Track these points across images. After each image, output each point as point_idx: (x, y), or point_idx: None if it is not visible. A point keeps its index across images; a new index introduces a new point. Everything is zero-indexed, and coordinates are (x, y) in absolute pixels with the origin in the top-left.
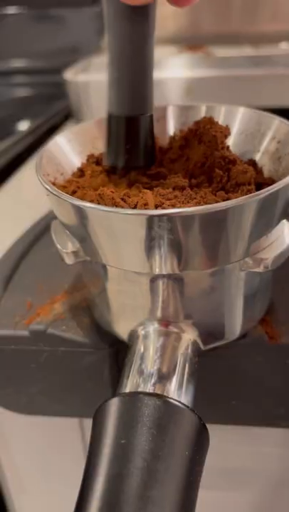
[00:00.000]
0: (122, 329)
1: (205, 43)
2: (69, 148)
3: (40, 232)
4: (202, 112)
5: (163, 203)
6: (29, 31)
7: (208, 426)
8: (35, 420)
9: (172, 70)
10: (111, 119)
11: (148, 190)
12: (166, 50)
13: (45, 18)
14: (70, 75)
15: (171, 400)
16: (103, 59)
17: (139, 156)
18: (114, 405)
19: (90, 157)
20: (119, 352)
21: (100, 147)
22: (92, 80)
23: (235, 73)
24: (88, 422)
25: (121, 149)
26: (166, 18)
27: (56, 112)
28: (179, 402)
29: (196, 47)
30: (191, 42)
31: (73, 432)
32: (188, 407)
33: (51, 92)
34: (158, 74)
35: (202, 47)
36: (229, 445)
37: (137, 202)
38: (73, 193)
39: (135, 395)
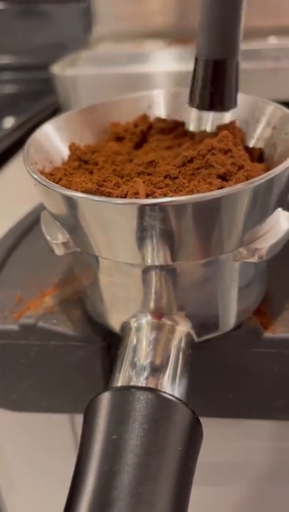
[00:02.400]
0: (114, 321)
1: (193, 37)
2: (57, 137)
3: (29, 226)
4: None
5: (154, 192)
6: (15, 27)
7: (202, 420)
8: (25, 417)
9: (161, 64)
10: (198, 62)
11: (138, 179)
12: (155, 43)
13: (32, 13)
14: (57, 69)
15: (164, 394)
16: (91, 53)
17: (224, 99)
18: (105, 400)
19: (72, 146)
20: (111, 345)
21: (88, 136)
22: (80, 74)
23: None
24: (80, 419)
25: (206, 92)
26: (154, 12)
27: (44, 107)
28: (172, 395)
29: (185, 40)
30: (179, 36)
31: (64, 428)
32: (181, 400)
33: (38, 89)
34: (147, 67)
35: (189, 41)
36: (220, 440)
37: (128, 191)
38: (59, 181)
39: (127, 389)
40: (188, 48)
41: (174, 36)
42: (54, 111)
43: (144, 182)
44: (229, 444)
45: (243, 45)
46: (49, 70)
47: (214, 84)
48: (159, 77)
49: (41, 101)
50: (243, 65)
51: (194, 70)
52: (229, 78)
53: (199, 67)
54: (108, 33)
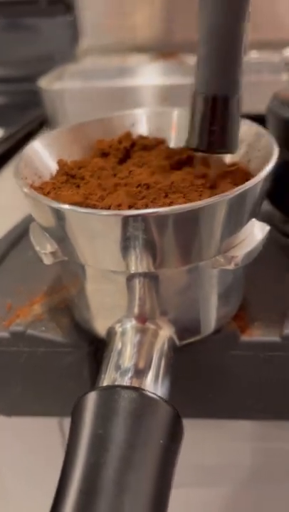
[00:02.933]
0: (100, 327)
1: (178, 51)
2: (46, 153)
3: (18, 236)
4: (174, 116)
5: (136, 203)
6: (2, 40)
7: (186, 421)
8: (14, 422)
9: (146, 78)
10: (197, 98)
11: (121, 191)
12: (139, 58)
13: (19, 27)
14: (44, 82)
15: (147, 392)
16: (78, 67)
17: (225, 139)
18: (91, 398)
19: (60, 162)
20: (98, 351)
21: (75, 152)
22: (67, 87)
23: None
24: (68, 422)
25: (205, 131)
26: (140, 26)
27: (31, 120)
28: (155, 394)
29: (170, 54)
30: (165, 50)
31: (53, 433)
32: (163, 398)
33: (25, 101)
34: (133, 81)
35: (175, 55)
36: (205, 441)
37: (111, 203)
38: (48, 194)
39: (112, 388)
40: (174, 62)
41: (160, 50)
42: (41, 123)
43: (126, 194)
44: (214, 446)
45: None
46: (36, 83)
47: (214, 122)
48: (145, 91)
49: (28, 113)
50: None
51: (193, 107)
52: (231, 116)
53: (198, 104)
54: (94, 46)
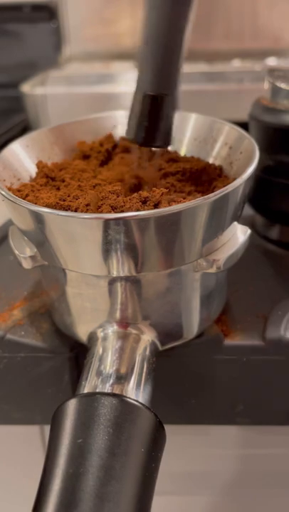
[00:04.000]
0: (81, 332)
1: None
2: (26, 155)
3: None
4: None
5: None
6: None
7: (169, 427)
8: None
9: (128, 84)
10: (136, 95)
11: (92, 191)
12: (122, 65)
13: (2, 33)
14: (27, 88)
15: (128, 399)
16: (60, 72)
17: (156, 135)
18: (71, 406)
19: (39, 164)
20: (79, 356)
21: (56, 154)
22: (49, 93)
23: (190, 88)
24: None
25: (140, 126)
26: (122, 34)
27: (13, 125)
28: (136, 400)
29: None
30: None
31: (34, 441)
32: (144, 405)
33: (8, 107)
34: (115, 87)
35: None
36: (190, 448)
37: (81, 202)
38: (26, 197)
39: (92, 395)
40: None
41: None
42: (23, 129)
43: (97, 193)
44: (197, 453)
45: (208, 68)
46: (19, 89)
47: (150, 119)
48: (127, 97)
49: (11, 119)
50: (208, 87)
51: (132, 103)
52: (166, 114)
53: (137, 101)
54: (78, 53)
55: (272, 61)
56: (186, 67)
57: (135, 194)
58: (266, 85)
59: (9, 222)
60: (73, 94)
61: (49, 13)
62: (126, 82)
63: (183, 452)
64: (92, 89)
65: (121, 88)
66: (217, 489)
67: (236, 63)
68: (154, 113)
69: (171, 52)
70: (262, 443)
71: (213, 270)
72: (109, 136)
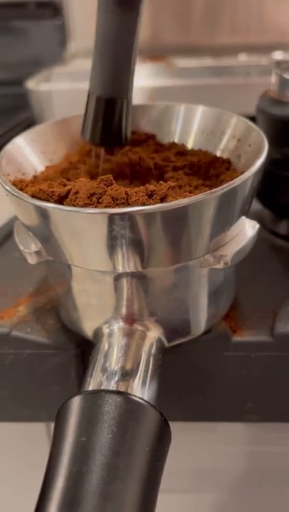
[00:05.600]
0: (87, 328)
1: (166, 54)
2: (30, 149)
3: (3, 238)
4: (162, 111)
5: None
6: None
7: (174, 424)
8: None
9: (134, 80)
10: (90, 97)
11: (83, 178)
12: None
13: (7, 30)
14: (32, 84)
15: (132, 397)
16: (65, 68)
17: (114, 136)
18: (76, 403)
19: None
20: (85, 353)
21: (61, 147)
22: (54, 89)
23: (196, 83)
24: None
25: (95, 128)
26: None
27: (19, 122)
28: (141, 398)
29: (157, 57)
30: (151, 53)
31: (40, 438)
32: (149, 403)
33: (14, 104)
34: None
35: (163, 58)
36: (196, 446)
37: (70, 189)
38: (25, 187)
39: (97, 393)
40: (161, 65)
41: (146, 53)
42: (29, 126)
43: (89, 180)
44: (203, 450)
45: (215, 62)
46: (24, 86)
47: (105, 120)
48: (133, 93)
49: (16, 116)
50: (214, 81)
51: (87, 103)
52: (120, 116)
53: (92, 102)
54: (83, 49)
55: (278, 55)
56: (192, 62)
57: (141, 187)
58: (273, 78)
59: (13, 220)
60: (78, 90)
61: (53, 10)
62: None
63: (189, 449)
64: None
65: None
66: (224, 487)
67: (242, 57)
68: (107, 114)
69: (122, 56)
70: (270, 440)
71: (220, 266)
72: None
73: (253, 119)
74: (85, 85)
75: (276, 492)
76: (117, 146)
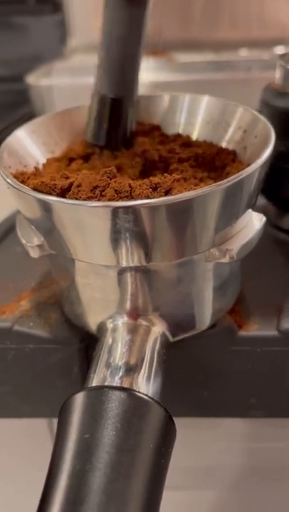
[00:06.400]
0: (91, 322)
1: (167, 49)
2: (32, 140)
3: (4, 232)
4: (166, 102)
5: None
6: None
7: (177, 421)
8: (2, 423)
9: None
10: (95, 96)
11: (86, 171)
12: None
13: (7, 26)
14: (33, 79)
15: (137, 393)
16: (66, 64)
17: (118, 138)
18: (79, 399)
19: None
20: (88, 348)
21: (63, 139)
22: (55, 84)
23: (198, 78)
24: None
25: (101, 129)
26: None
27: (19, 118)
28: (145, 394)
29: (158, 52)
30: (152, 47)
31: (42, 435)
32: (153, 399)
33: (14, 101)
34: None
35: (164, 53)
36: (198, 442)
37: (73, 181)
38: (27, 180)
39: (100, 389)
40: (163, 60)
41: (148, 48)
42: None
43: (92, 173)
44: (205, 446)
45: (216, 57)
46: (24, 82)
47: (111, 121)
48: None
49: (16, 112)
50: (216, 76)
51: (92, 103)
52: (126, 117)
53: (96, 102)
54: (83, 44)
55: (280, 50)
56: (194, 57)
57: (145, 180)
58: (278, 70)
59: (14, 214)
60: (79, 85)
61: (53, 6)
62: None
63: (192, 446)
64: None
65: None
66: (225, 484)
67: (243, 52)
68: (113, 115)
69: (130, 54)
70: (274, 436)
71: (226, 260)
72: None
73: None
74: (85, 80)
75: (279, 488)
76: (121, 149)
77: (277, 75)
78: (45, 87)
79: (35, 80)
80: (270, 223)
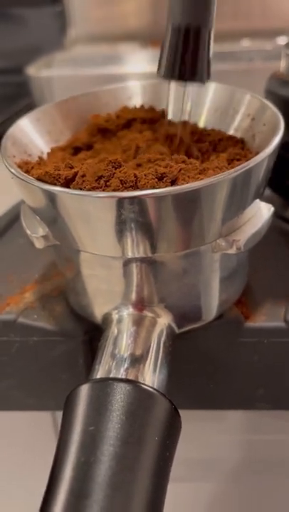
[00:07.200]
0: (96, 313)
1: None
2: (36, 129)
3: (8, 224)
4: (173, 88)
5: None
6: None
7: (184, 412)
8: (4, 415)
9: (136, 65)
10: (170, 28)
11: (90, 161)
12: (130, 45)
13: (6, 18)
14: (33, 70)
15: (142, 385)
16: (66, 55)
17: (195, 68)
18: (84, 391)
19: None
20: (93, 340)
21: (67, 127)
22: (55, 75)
23: None
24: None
25: (177, 60)
26: (128, 15)
27: (20, 109)
28: (150, 387)
29: (158, 42)
30: (154, 37)
31: (46, 427)
32: (159, 391)
33: (14, 92)
34: (121, 69)
35: None
36: (198, 434)
37: (77, 171)
38: (31, 169)
39: (105, 381)
40: None
41: (149, 38)
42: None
43: (97, 162)
44: (208, 439)
45: (218, 47)
46: (24, 73)
47: (185, 51)
48: (134, 78)
49: (16, 103)
50: (218, 66)
51: (165, 37)
52: (202, 47)
53: (171, 34)
54: (83, 35)
55: (282, 40)
56: None
57: (151, 169)
58: (283, 59)
59: (19, 205)
60: (80, 76)
61: None
62: (133, 62)
63: (193, 438)
64: (99, 71)
65: (128, 69)
66: (226, 476)
67: (245, 43)
68: (193, 45)
69: None
70: (280, 428)
71: (233, 251)
72: (125, 108)
73: None
74: (85, 71)
75: (280, 481)
76: (198, 83)
77: (282, 64)
78: (46, 79)
79: (35, 71)
80: (275, 214)
